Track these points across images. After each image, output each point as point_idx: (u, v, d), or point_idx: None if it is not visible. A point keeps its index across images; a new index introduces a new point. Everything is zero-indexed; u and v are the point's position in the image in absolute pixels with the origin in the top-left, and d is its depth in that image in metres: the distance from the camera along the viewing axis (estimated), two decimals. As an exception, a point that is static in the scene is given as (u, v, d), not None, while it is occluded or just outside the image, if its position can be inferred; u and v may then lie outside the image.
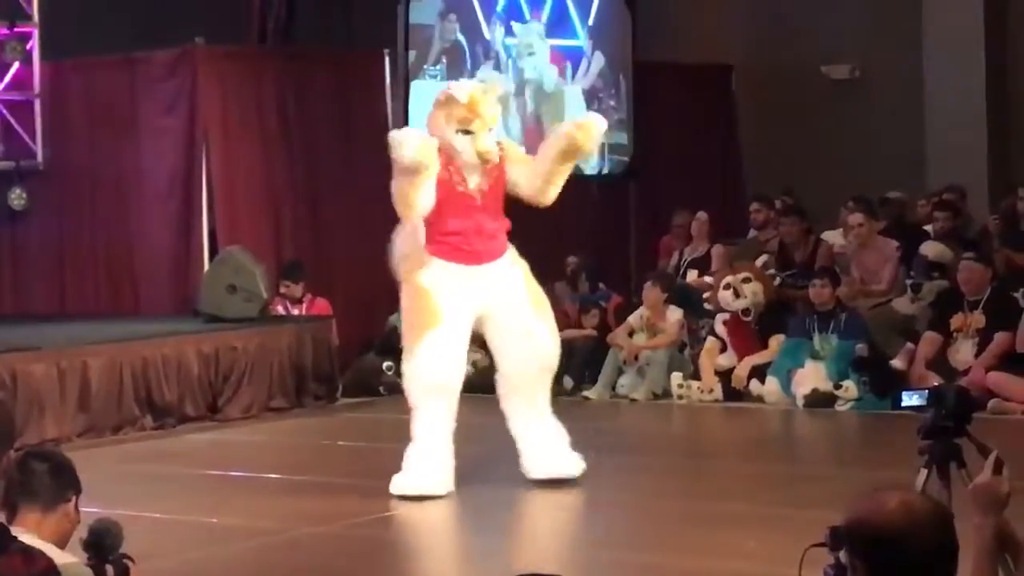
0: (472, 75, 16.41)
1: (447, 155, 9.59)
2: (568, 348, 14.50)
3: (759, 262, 14.15)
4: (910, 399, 5.47)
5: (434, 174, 9.46)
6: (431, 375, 9.55)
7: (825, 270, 13.74)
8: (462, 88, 9.85)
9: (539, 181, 9.85)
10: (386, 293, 12.30)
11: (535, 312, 9.82)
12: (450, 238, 9.67)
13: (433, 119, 9.75)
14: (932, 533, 3.59)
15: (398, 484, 9.46)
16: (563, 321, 14.84)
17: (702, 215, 15.71)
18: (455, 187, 9.64)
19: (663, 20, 18.42)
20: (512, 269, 9.89)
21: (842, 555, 4.10)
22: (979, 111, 17.19)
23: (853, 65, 18.32)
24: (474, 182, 9.69)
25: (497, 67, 16.74)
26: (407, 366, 9.66)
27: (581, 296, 15.27)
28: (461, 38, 16.57)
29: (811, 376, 13.05)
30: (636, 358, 14.04)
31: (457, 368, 9.67)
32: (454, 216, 9.64)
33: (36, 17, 15.42)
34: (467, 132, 9.56)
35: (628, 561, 7.91)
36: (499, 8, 16.83)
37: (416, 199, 9.51)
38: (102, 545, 5.02)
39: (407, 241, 9.90)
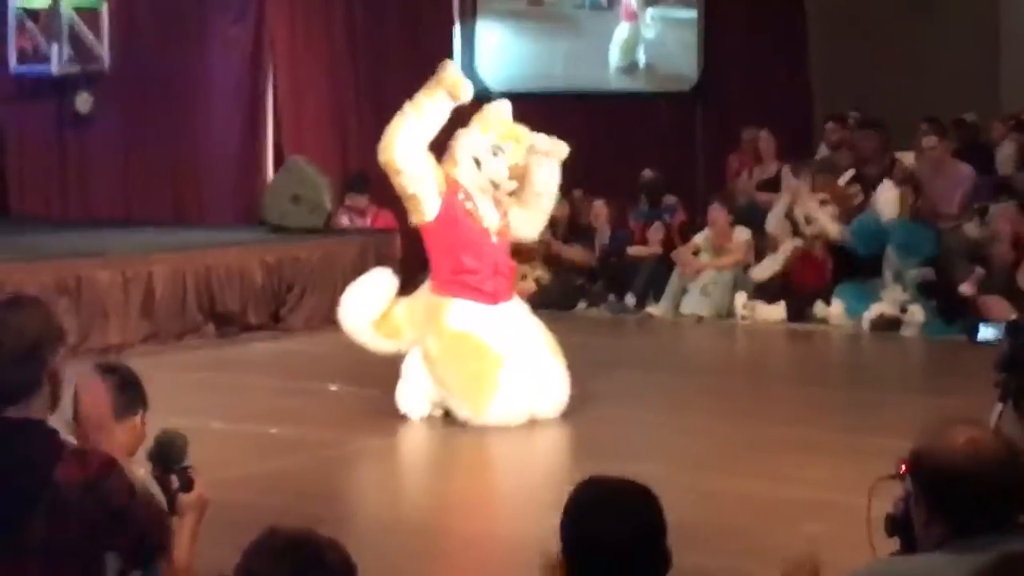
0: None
1: (459, 188, 9.45)
2: (632, 265, 14.52)
3: (843, 179, 14.01)
4: (986, 332, 5.40)
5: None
6: (521, 411, 9.30)
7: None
8: (504, 109, 9.66)
9: (540, 222, 9.97)
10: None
11: (551, 352, 9.55)
12: (466, 276, 9.44)
13: (466, 134, 9.53)
14: (998, 474, 3.53)
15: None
16: (629, 237, 14.91)
17: (764, 134, 15.55)
18: (473, 222, 9.47)
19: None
20: (522, 308, 9.73)
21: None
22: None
23: None
24: (489, 219, 9.52)
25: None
26: (486, 415, 9.22)
27: (645, 211, 15.20)
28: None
29: (882, 297, 13.06)
30: (699, 274, 13.98)
31: (539, 392, 9.40)
32: (468, 253, 9.45)
33: (104, -79, 15.40)
34: (499, 151, 9.42)
35: (688, 483, 7.86)
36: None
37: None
38: (167, 456, 5.03)
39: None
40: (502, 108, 9.68)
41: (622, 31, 17.25)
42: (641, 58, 17.42)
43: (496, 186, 9.49)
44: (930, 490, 3.61)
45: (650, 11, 17.35)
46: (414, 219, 9.64)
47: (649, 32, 17.36)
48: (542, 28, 16.91)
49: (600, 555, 3.54)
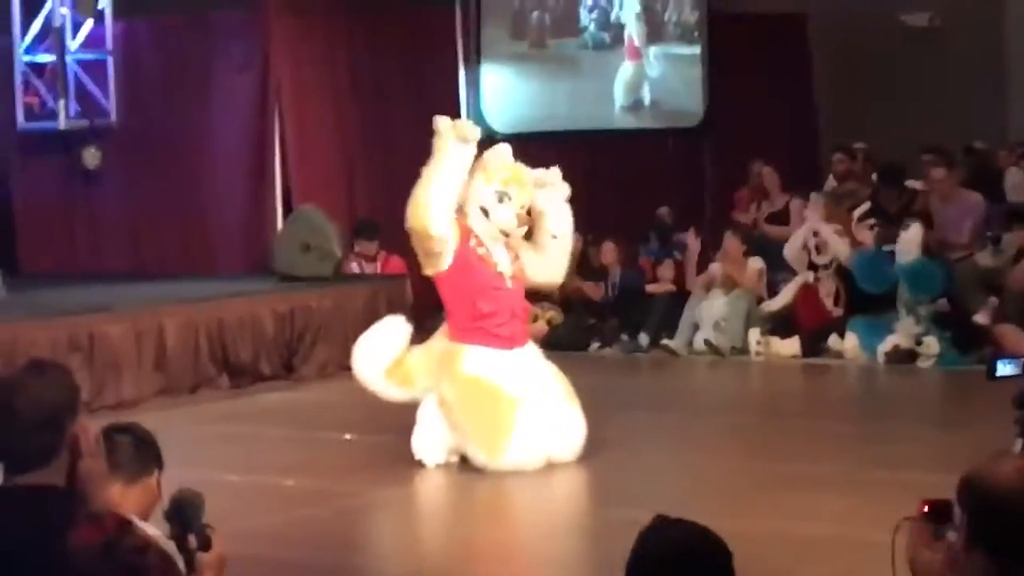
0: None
1: (471, 235, 9.44)
2: (645, 303, 14.50)
3: (857, 212, 14.02)
4: (1004, 368, 5.31)
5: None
6: (538, 455, 9.26)
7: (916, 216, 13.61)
8: (504, 152, 9.61)
9: (561, 266, 9.99)
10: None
11: (565, 395, 9.53)
12: (483, 322, 9.40)
13: (474, 191, 9.46)
14: None
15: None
16: (641, 276, 14.93)
17: (768, 170, 15.54)
18: (488, 267, 9.45)
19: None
20: (535, 352, 9.71)
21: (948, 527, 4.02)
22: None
23: (932, 13, 17.99)
24: (503, 263, 9.51)
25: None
26: (502, 459, 9.18)
27: (655, 249, 15.22)
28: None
29: (896, 330, 13.01)
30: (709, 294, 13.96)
31: (555, 435, 9.37)
32: (485, 298, 9.42)
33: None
34: (505, 197, 9.39)
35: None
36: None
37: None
38: (184, 516, 4.99)
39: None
40: (502, 153, 9.63)
41: (626, 70, 17.31)
42: (646, 96, 17.47)
43: (507, 234, 9.49)
44: (975, 516, 3.59)
45: (653, 49, 17.39)
46: (429, 271, 9.62)
47: (653, 70, 17.41)
48: (546, 70, 17.00)
49: None
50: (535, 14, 16.76)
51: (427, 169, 9.36)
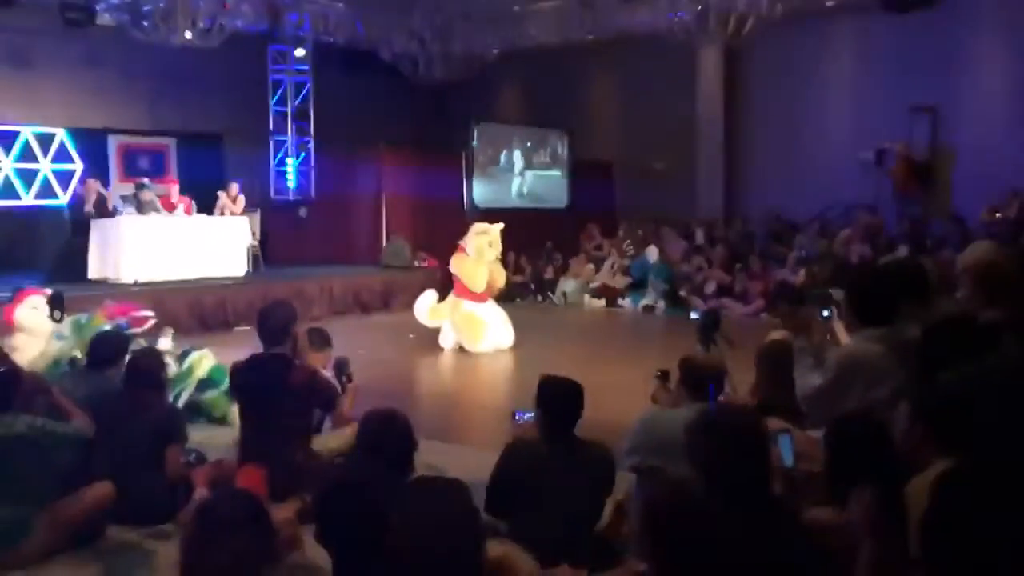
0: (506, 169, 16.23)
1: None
2: (542, 281, 14.43)
3: (624, 244, 14.20)
4: (695, 314, 5.37)
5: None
6: (493, 345, 9.19)
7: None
8: (492, 228, 9.44)
9: (503, 278, 9.60)
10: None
11: (506, 318, 9.47)
12: (472, 294, 9.30)
13: (475, 240, 9.30)
14: (720, 370, 3.56)
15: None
16: (540, 272, 14.81)
17: (592, 226, 15.60)
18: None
19: (581, 138, 17.94)
20: (493, 302, 9.55)
21: (671, 384, 4.02)
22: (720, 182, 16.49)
23: (664, 161, 17.66)
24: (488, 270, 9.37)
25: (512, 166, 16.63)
26: (479, 347, 9.09)
27: (545, 259, 15.17)
28: (501, 157, 16.43)
29: (647, 296, 12.97)
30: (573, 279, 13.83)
31: (501, 336, 9.27)
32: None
33: (312, 132, 15.21)
34: (491, 246, 9.30)
35: (576, 376, 7.81)
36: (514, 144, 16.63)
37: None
38: (341, 367, 4.97)
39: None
40: (494, 229, 9.50)
41: (516, 179, 17.06)
42: (524, 192, 17.18)
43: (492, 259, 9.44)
44: (683, 374, 3.61)
45: (529, 173, 17.11)
46: (471, 286, 9.39)
47: (527, 182, 17.14)
48: (491, 180, 16.71)
49: (557, 408, 3.52)
50: (481, 157, 16.54)
51: (472, 253, 9.17)
